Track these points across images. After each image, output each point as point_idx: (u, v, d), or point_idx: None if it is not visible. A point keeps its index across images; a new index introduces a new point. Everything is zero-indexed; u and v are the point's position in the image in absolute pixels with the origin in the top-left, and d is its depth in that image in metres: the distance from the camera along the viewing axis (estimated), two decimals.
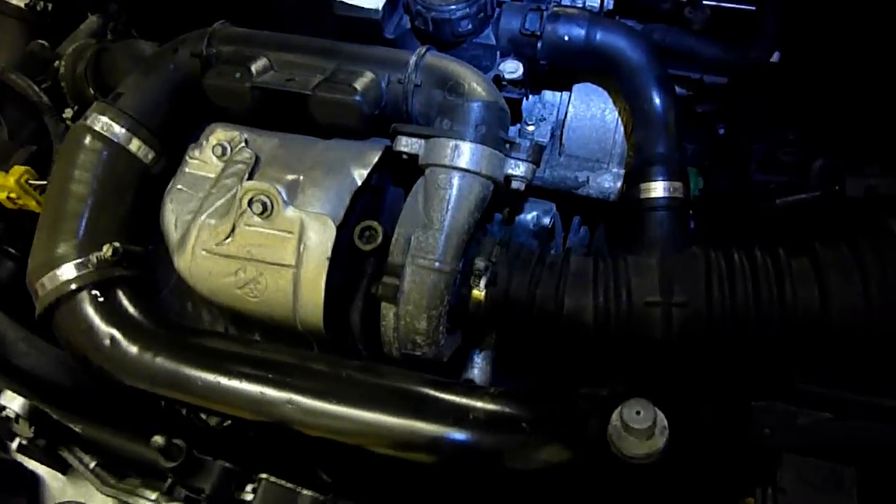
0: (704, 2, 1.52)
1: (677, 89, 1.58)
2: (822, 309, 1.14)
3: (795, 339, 1.19)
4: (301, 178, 1.26)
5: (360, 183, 1.25)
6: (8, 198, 1.48)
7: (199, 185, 1.36)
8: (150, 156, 1.40)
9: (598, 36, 1.33)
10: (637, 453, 1.04)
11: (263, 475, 1.01)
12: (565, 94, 1.53)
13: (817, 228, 1.27)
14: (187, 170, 1.39)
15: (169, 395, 1.22)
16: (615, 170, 1.47)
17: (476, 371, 1.51)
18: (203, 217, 1.28)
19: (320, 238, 1.20)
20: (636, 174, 1.32)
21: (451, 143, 1.22)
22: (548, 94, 1.54)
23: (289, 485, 1.00)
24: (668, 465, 1.02)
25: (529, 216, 1.50)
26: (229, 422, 1.22)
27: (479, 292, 1.30)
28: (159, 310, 1.37)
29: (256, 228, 1.24)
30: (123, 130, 1.36)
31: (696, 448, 1.07)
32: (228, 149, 1.36)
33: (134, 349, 1.25)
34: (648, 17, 1.56)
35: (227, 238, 1.25)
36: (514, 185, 1.28)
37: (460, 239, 1.23)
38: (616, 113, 1.46)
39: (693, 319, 1.20)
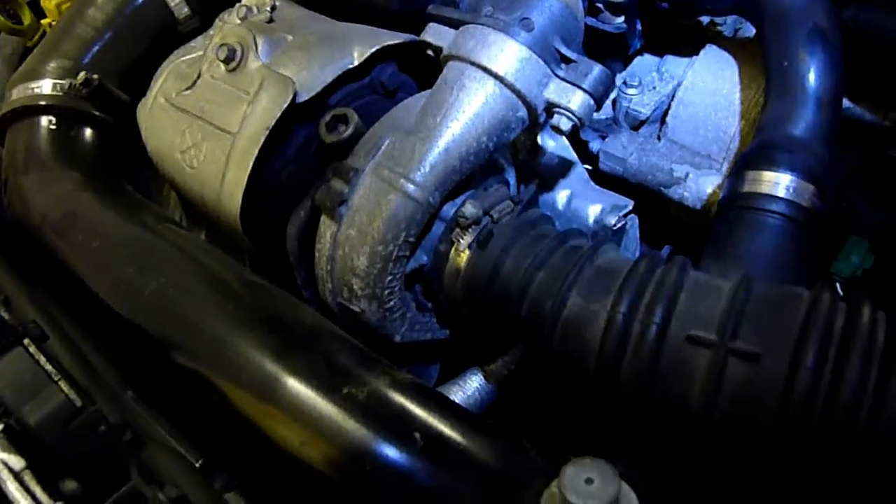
0: None
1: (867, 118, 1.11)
2: None
3: None
4: (291, 38, 0.98)
5: (355, 63, 0.94)
6: (50, 25, 1.39)
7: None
8: (184, 12, 1.25)
9: None
10: None
11: (27, 342, 0.70)
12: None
13: None
14: (210, 31, 1.19)
15: (48, 243, 0.98)
16: (728, 172, 1.01)
17: (459, 393, 1.10)
18: (178, 60, 1.05)
19: (271, 102, 0.90)
20: (749, 158, 0.87)
21: (481, 30, 0.87)
22: (672, 61, 1.12)
23: (51, 371, 0.69)
24: None
25: (591, 208, 1.08)
26: None
27: (461, 254, 0.91)
28: (116, 172, 1.16)
29: (218, 82, 0.98)
30: None
31: None
32: (254, 11, 1.14)
33: (50, 181, 1.05)
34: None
35: (188, 88, 1.01)
36: (556, 120, 0.88)
37: (452, 164, 0.86)
38: (749, 93, 1.00)
39: (759, 387, 0.72)
